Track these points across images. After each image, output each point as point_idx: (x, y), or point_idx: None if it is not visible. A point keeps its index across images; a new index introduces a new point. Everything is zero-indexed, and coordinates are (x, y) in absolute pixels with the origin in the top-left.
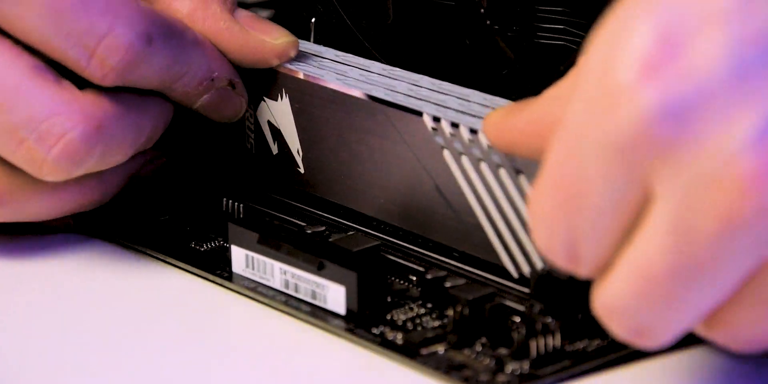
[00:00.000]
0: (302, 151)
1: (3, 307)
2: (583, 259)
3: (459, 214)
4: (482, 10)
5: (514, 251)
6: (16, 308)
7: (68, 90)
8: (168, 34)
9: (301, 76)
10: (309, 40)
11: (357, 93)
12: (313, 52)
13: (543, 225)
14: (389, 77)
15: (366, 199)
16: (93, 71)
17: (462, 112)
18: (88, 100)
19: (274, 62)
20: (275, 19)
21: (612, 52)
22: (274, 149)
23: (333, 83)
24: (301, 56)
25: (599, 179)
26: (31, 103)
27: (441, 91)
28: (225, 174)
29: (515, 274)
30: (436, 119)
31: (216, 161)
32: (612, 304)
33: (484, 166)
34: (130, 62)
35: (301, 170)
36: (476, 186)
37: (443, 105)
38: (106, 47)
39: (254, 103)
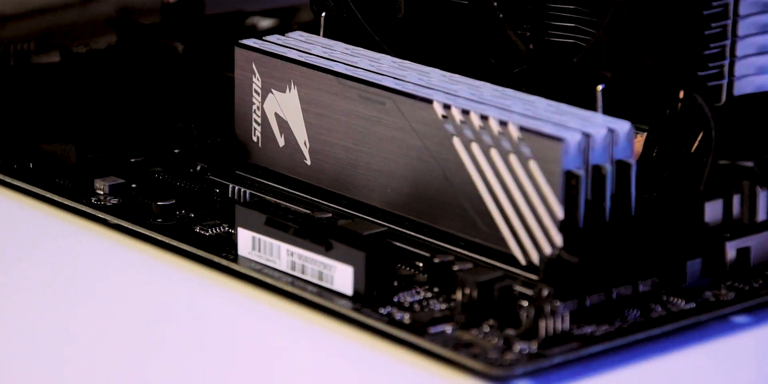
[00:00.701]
0: (309, 142)
1: (1, 292)
2: None
3: (467, 201)
4: (495, 4)
5: (523, 238)
6: (14, 291)
7: None
8: None
9: (309, 66)
10: (319, 35)
11: (365, 81)
12: (324, 45)
13: None
14: (400, 68)
15: (373, 189)
16: None
17: (472, 100)
18: None
19: None
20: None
21: None
22: (281, 141)
23: (342, 72)
24: (310, 47)
25: None
26: None
27: (452, 82)
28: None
29: (523, 262)
30: (446, 106)
31: (220, 151)
32: None
33: (494, 153)
34: None
35: (308, 162)
36: (486, 173)
37: (453, 93)
38: None
39: (262, 95)
